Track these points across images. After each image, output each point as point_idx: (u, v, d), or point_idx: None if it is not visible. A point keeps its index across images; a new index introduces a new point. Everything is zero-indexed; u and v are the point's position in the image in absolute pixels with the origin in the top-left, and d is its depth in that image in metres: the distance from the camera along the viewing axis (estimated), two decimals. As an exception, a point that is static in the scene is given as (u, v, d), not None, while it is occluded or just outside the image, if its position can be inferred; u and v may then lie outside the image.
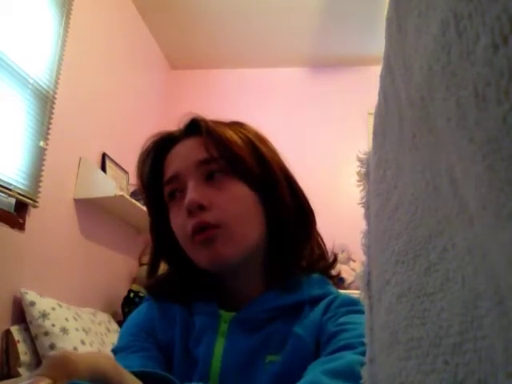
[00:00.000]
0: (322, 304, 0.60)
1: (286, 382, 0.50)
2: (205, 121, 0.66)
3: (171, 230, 0.65)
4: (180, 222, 0.62)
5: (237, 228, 0.60)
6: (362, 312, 0.58)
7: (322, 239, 0.70)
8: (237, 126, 0.68)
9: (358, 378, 0.45)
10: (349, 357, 0.48)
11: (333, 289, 0.65)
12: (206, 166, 0.62)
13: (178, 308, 0.65)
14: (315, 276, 0.65)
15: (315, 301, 0.61)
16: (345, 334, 0.53)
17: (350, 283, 2.62)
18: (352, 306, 0.59)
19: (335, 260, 0.70)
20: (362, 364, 0.46)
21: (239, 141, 0.64)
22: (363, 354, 0.48)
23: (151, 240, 0.70)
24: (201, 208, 0.59)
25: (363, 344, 0.49)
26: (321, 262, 0.68)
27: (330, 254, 0.70)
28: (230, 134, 0.64)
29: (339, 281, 2.60)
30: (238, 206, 0.61)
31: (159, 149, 0.68)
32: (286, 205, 0.64)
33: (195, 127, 0.66)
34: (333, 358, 0.49)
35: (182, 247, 0.64)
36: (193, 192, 0.60)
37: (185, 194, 0.61)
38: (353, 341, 0.51)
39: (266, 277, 0.65)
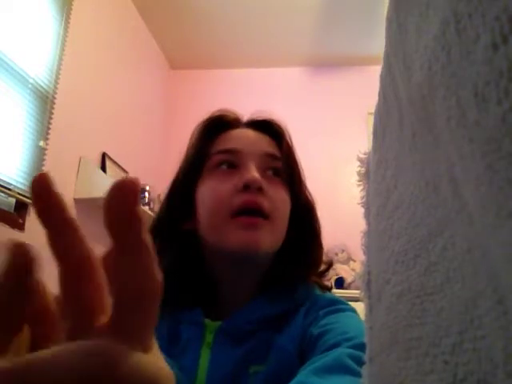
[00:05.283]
0: (303, 309, 0.60)
1: None
2: (279, 126, 0.69)
3: (189, 204, 0.64)
4: (224, 194, 0.60)
5: (278, 226, 0.62)
6: (342, 310, 0.59)
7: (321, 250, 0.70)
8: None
9: (348, 368, 0.45)
10: (335, 353, 0.48)
11: (315, 290, 0.65)
12: (270, 161, 0.64)
13: (164, 318, 0.60)
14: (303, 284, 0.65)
15: (298, 308, 0.61)
16: (328, 335, 0.53)
17: (350, 283, 2.62)
18: (331, 306, 0.59)
19: (328, 267, 0.70)
20: (350, 355, 0.46)
21: (296, 156, 0.68)
22: (350, 348, 0.48)
23: (162, 209, 0.67)
24: (260, 190, 0.59)
25: (347, 340, 0.50)
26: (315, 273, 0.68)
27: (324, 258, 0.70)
28: (290, 145, 0.68)
29: (339, 281, 2.60)
30: (284, 207, 0.63)
31: (222, 123, 0.69)
32: (303, 220, 0.67)
33: (261, 125, 0.69)
34: (320, 357, 0.49)
35: (205, 221, 0.62)
36: (256, 173, 0.60)
37: (237, 170, 0.61)
38: (338, 339, 0.51)
39: (260, 283, 0.64)
